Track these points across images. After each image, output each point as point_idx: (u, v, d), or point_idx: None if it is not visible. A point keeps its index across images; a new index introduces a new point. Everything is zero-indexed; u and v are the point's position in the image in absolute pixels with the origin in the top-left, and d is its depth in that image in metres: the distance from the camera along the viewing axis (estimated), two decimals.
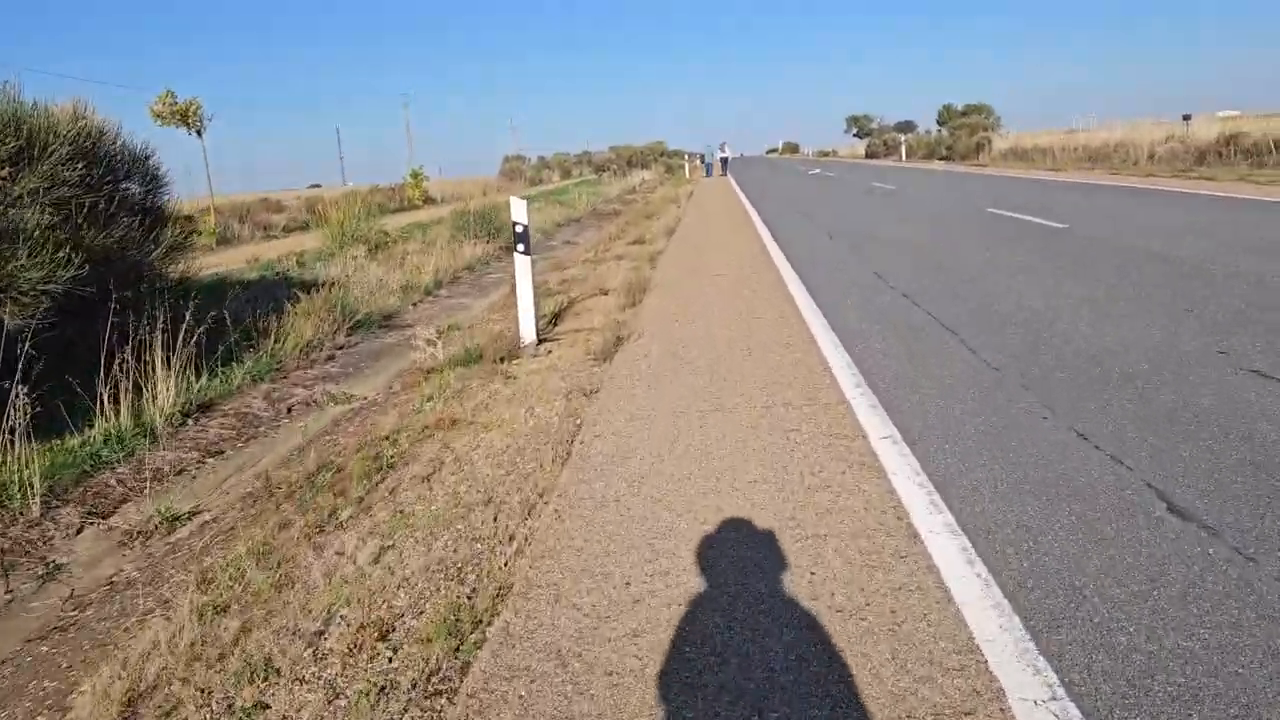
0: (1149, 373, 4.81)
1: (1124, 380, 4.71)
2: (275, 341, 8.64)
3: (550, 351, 7.23)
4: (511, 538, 3.61)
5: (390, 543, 3.84)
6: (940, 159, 49.21)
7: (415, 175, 30.73)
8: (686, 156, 62.48)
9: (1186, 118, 25.86)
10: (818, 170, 43.78)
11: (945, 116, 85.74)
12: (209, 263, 14.32)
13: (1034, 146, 39.12)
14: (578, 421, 5.08)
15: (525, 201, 7.23)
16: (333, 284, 11.08)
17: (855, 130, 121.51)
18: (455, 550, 3.58)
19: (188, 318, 7.26)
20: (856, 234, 12.74)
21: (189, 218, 19.07)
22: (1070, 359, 5.22)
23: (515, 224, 7.20)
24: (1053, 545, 2.96)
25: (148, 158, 8.61)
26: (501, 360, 7.13)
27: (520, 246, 7.21)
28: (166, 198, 8.91)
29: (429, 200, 34.29)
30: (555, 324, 8.47)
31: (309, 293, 10.24)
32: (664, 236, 15.21)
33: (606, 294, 9.92)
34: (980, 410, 4.43)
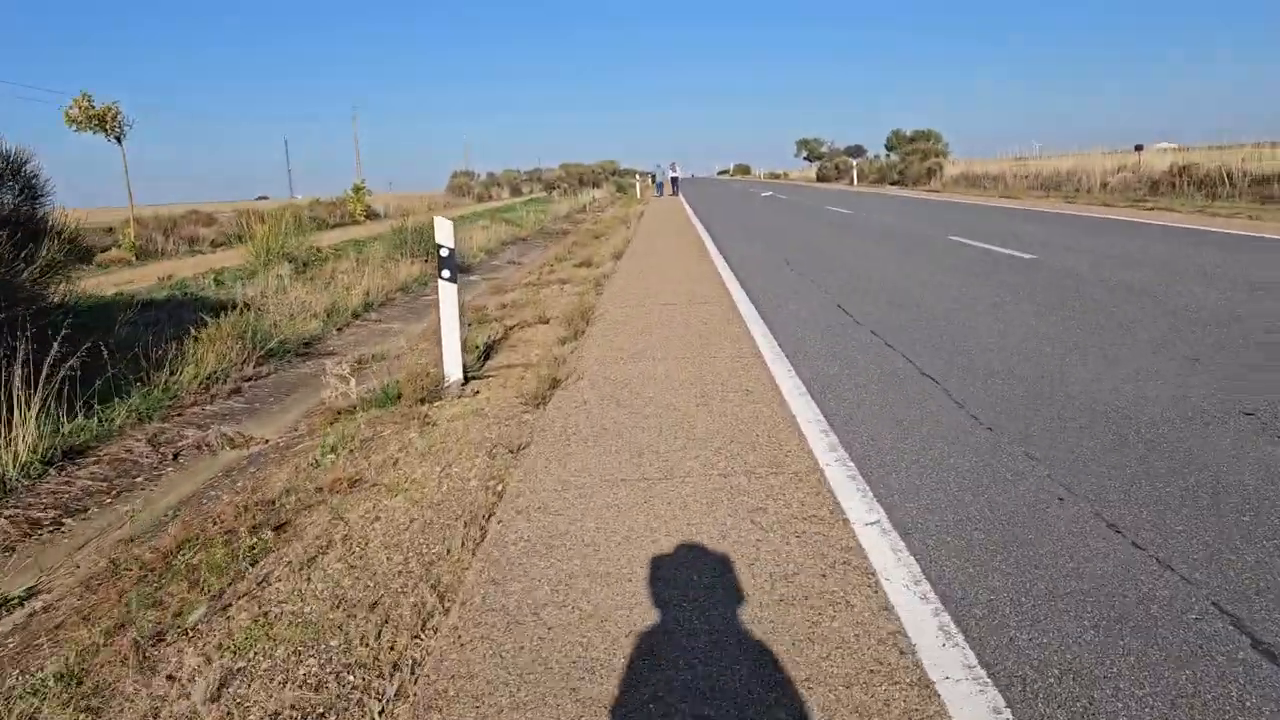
0: (1173, 439, 4.11)
1: (1148, 448, 4.01)
2: (171, 373, 7.64)
3: (478, 392, 6.37)
4: (395, 668, 2.74)
5: (242, 663, 2.96)
6: (891, 183, 49.34)
7: (357, 189, 29.59)
8: (637, 175, 61.98)
9: (1139, 148, 25.93)
10: (770, 193, 43.52)
11: (894, 142, 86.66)
12: (119, 279, 13.18)
13: (985, 173, 39.29)
14: (499, 488, 4.23)
15: (450, 222, 6.38)
16: (247, 306, 10.08)
17: (805, 154, 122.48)
18: (318, 687, 2.71)
19: (55, 347, 6.28)
20: (816, 262, 12.09)
21: (109, 229, 17.85)
22: (1076, 417, 4.52)
23: (440, 247, 6.35)
24: (1123, 707, 2.19)
25: (24, 163, 7.59)
26: (422, 401, 6.25)
27: (445, 272, 6.36)
28: (47, 209, 7.89)
29: (372, 215, 33.14)
30: (488, 358, 7.60)
31: (221, 315, 9.25)
32: (612, 259, 14.43)
33: (547, 323, 9.09)
34: (981, 484, 3.69)
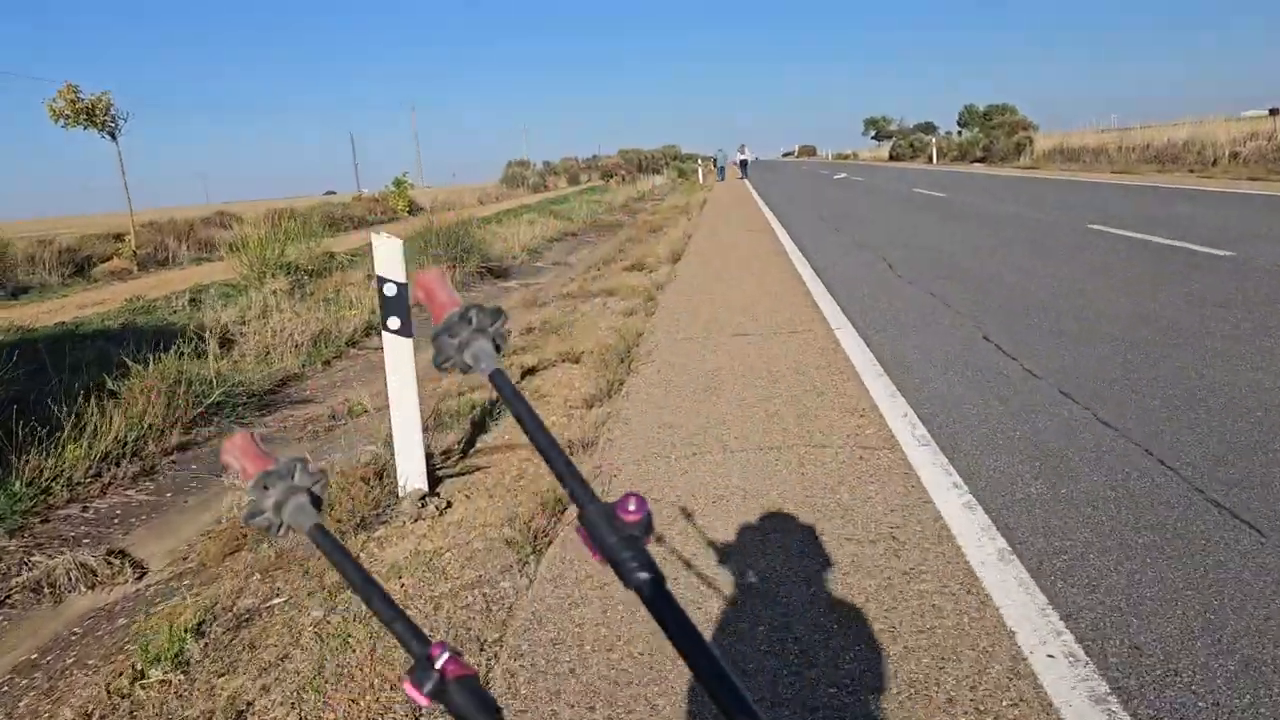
0: None
1: None
2: (51, 450, 5.52)
3: (447, 508, 4.08)
4: None
5: None
6: (975, 161, 45.84)
7: (399, 183, 27.67)
8: (700, 161, 59.30)
9: (1274, 111, 22.44)
10: (843, 174, 40.51)
11: (968, 117, 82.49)
12: (89, 299, 11.28)
13: (1082, 146, 35.74)
14: None
15: (398, 243, 4.07)
16: (204, 337, 7.98)
17: (874, 132, 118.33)
18: None
19: None
20: (931, 264, 9.51)
21: (116, 236, 16.14)
22: None
23: (382, 281, 4.06)
24: None
25: None
26: (361, 525, 4.01)
27: (392, 320, 4.07)
28: None
29: (418, 210, 31.25)
30: (482, 428, 5.31)
31: (175, 351, 7.22)
32: (668, 262, 12.02)
33: (578, 361, 6.78)
34: None
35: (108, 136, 14.44)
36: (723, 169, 46.61)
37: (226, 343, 8.45)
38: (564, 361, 6.84)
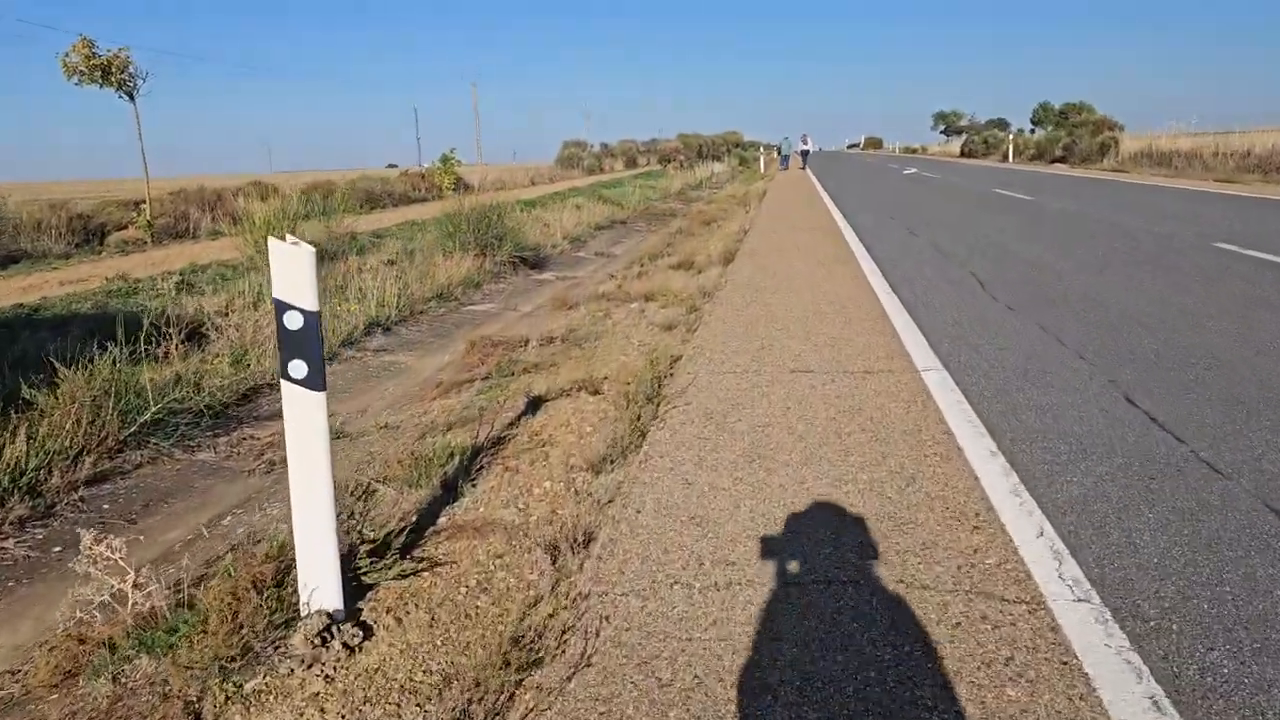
0: None
1: None
2: None
3: (362, 645, 2.79)
4: None
5: None
6: (1053, 161, 43.41)
7: (445, 160, 26.54)
8: (762, 149, 57.48)
9: None
10: (913, 169, 38.49)
11: (1042, 115, 79.07)
12: (84, 273, 10.26)
13: (1174, 150, 33.33)
14: None
15: (309, 250, 2.77)
16: (169, 331, 6.82)
17: (943, 127, 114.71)
18: None
19: None
20: (1027, 285, 7.99)
21: (138, 204, 15.24)
22: None
23: (282, 310, 2.76)
24: None
25: None
26: (231, 660, 2.76)
27: (296, 368, 2.77)
28: None
29: (466, 188, 30.17)
30: (457, 492, 4.02)
31: (108, 348, 6.11)
32: (720, 263, 10.62)
33: (598, 393, 5.46)
34: None
35: (125, 97, 13.52)
36: (786, 158, 45.22)
37: (200, 338, 7.30)
38: (580, 391, 5.52)
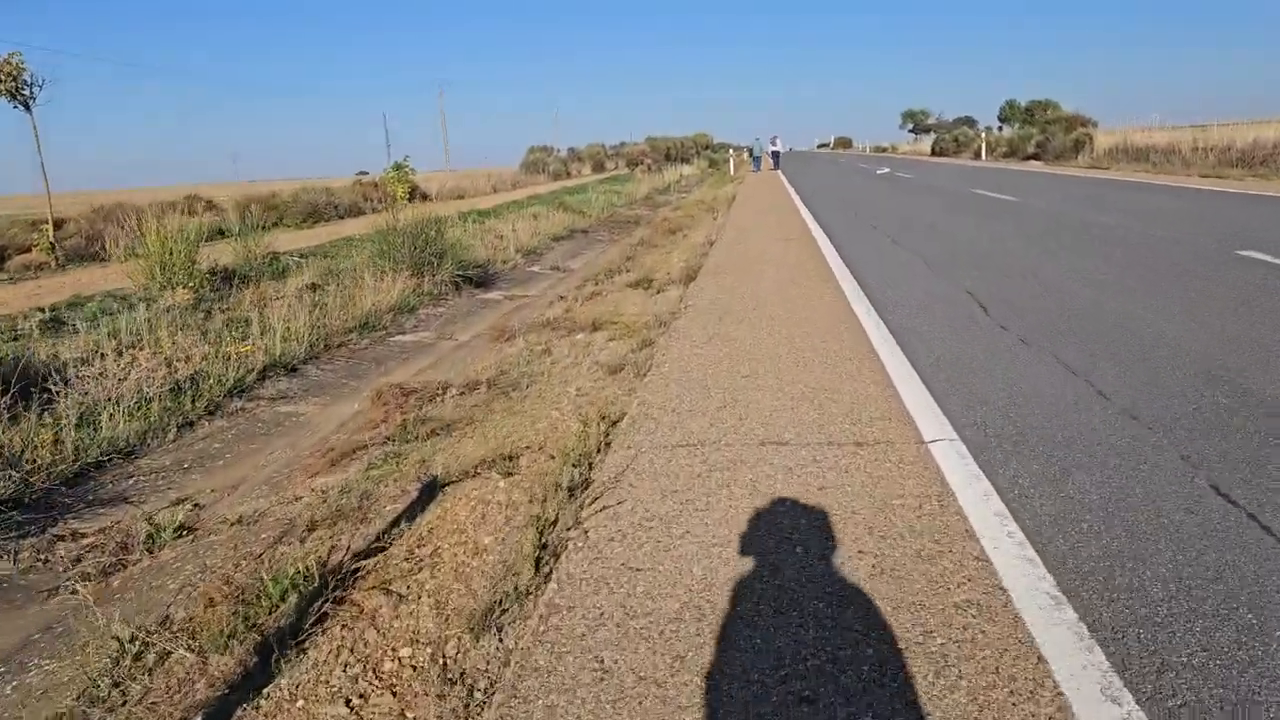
0: None
1: None
2: None
3: None
4: None
5: None
6: (1027, 158, 42.69)
7: (399, 168, 25.12)
8: (731, 151, 56.49)
9: None
10: (886, 169, 37.55)
11: (1009, 113, 78.84)
12: None
13: (1150, 145, 32.58)
14: None
15: None
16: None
17: (911, 125, 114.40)
18: None
19: None
20: (1037, 307, 6.84)
21: (33, 225, 13.80)
22: None
23: None
24: None
25: None
26: None
27: None
28: None
29: (423, 197, 28.81)
30: (277, 669, 2.75)
31: None
32: (680, 280, 9.43)
33: (511, 473, 4.24)
34: None
35: (19, 106, 12.11)
36: (758, 159, 44.54)
37: (43, 394, 5.98)
38: (492, 468, 4.29)
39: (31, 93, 12.04)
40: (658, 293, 9.18)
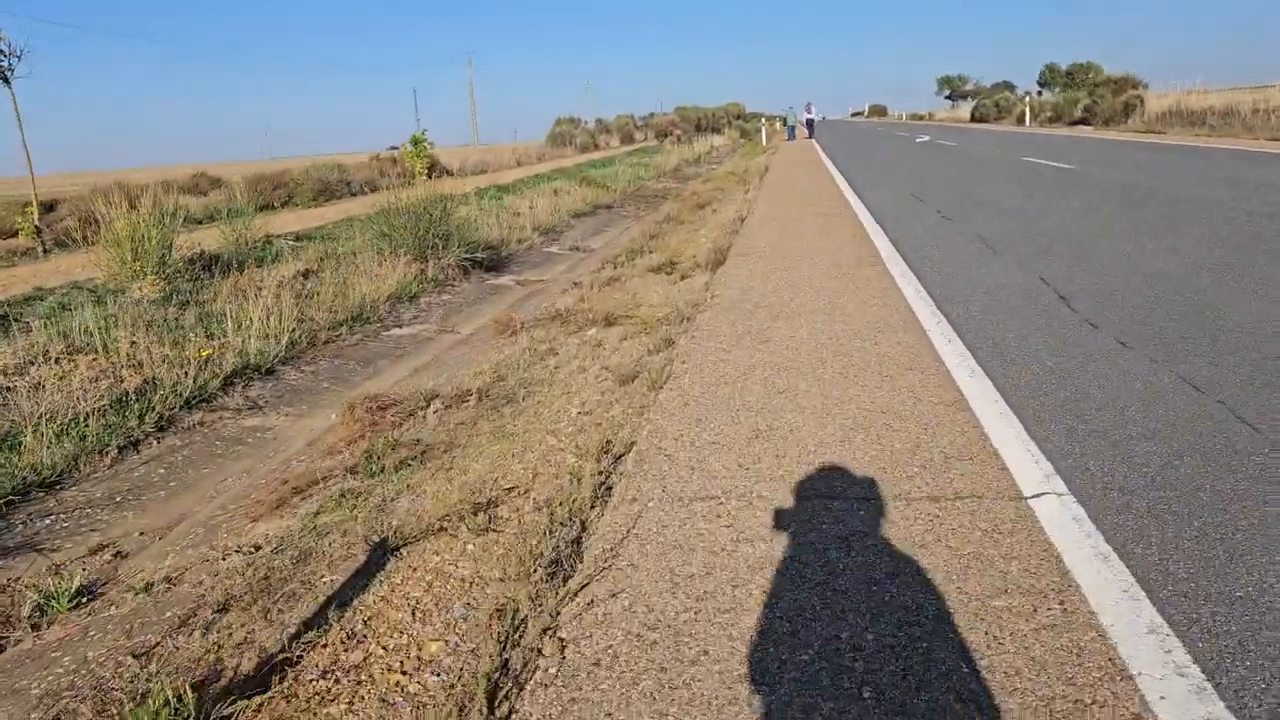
0: None
1: None
2: None
3: None
4: None
5: None
6: (1073, 123, 40.87)
7: (417, 142, 24.19)
8: (764, 120, 54.97)
9: None
10: (926, 137, 35.98)
11: (1049, 77, 76.24)
12: None
13: (1207, 108, 30.81)
14: None
15: None
16: None
17: (948, 92, 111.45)
18: None
19: None
20: (1135, 300, 5.78)
21: (25, 206, 13.11)
22: None
23: None
24: None
25: None
26: None
27: None
28: None
29: (444, 173, 27.91)
30: None
31: None
32: (707, 265, 8.42)
33: (488, 530, 3.31)
34: None
35: None
36: (792, 129, 43.31)
37: None
38: (462, 520, 3.38)
39: (10, 64, 11.26)
40: (681, 279, 8.20)
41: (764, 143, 40.98)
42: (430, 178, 25.56)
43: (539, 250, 13.07)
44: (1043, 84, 76.66)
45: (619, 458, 3.75)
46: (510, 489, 3.70)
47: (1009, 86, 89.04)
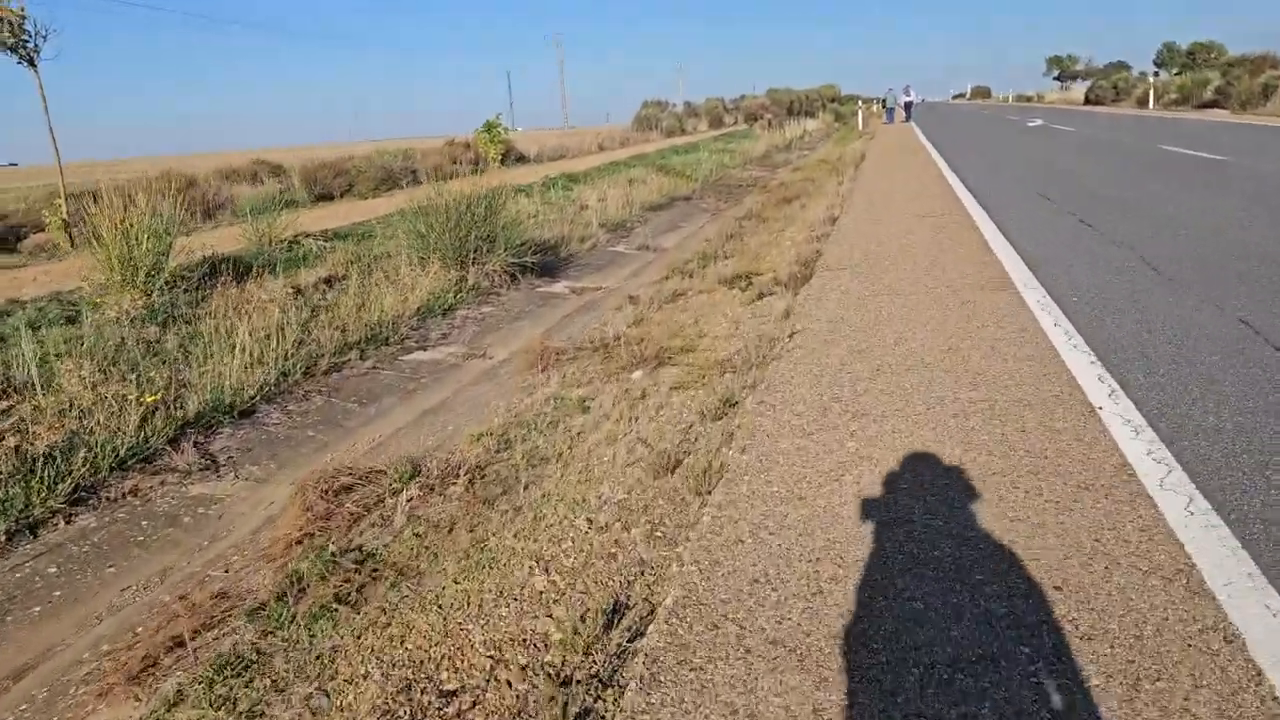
0: None
1: None
2: None
3: None
4: None
5: None
6: (1201, 106, 37.43)
7: (490, 127, 23.10)
8: (859, 103, 52.47)
9: None
10: (1038, 121, 33.23)
11: (1167, 56, 71.13)
12: None
13: None
14: None
15: None
16: None
17: (1057, 73, 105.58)
18: None
19: None
20: None
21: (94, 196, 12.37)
22: None
23: None
24: None
25: None
26: None
27: None
28: None
29: (521, 159, 26.84)
30: None
31: None
32: (789, 283, 6.89)
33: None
34: None
35: (24, 62, 10.50)
36: (891, 111, 41.34)
37: None
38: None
39: (36, 45, 10.43)
40: (758, 298, 6.72)
41: (860, 127, 38.72)
42: (504, 164, 24.46)
43: (604, 250, 11.71)
44: (1159, 64, 72.08)
45: (625, 646, 2.34)
46: (452, 692, 2.34)
47: (1124, 67, 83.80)
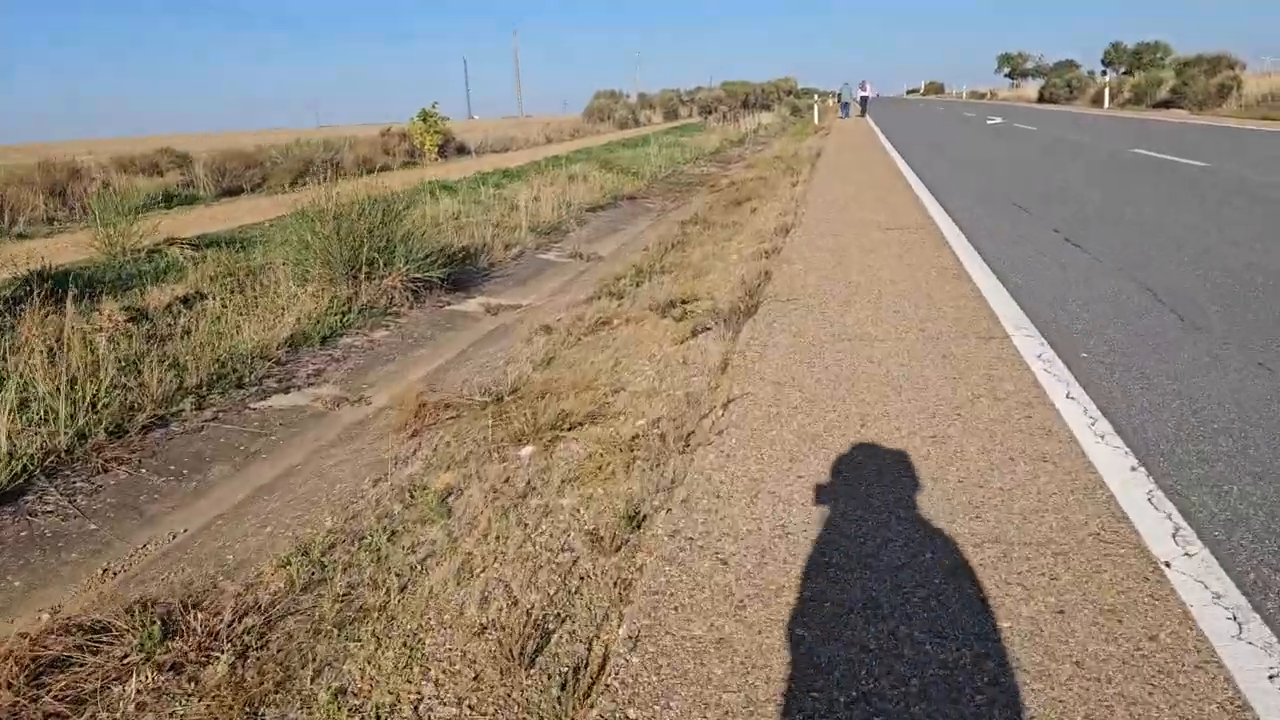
0: None
1: None
2: None
3: None
4: None
5: None
6: (1156, 105, 37.13)
7: (426, 117, 21.53)
8: (816, 97, 51.69)
9: None
10: (997, 119, 32.49)
11: (1114, 55, 71.55)
12: None
13: None
14: None
15: None
16: None
17: (1008, 70, 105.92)
18: None
19: None
20: None
21: None
22: None
23: None
24: None
25: None
26: None
27: None
28: None
29: (460, 151, 25.34)
30: None
31: None
32: (732, 312, 5.66)
33: None
34: None
35: None
36: (847, 105, 40.96)
37: None
38: None
39: None
40: (691, 335, 5.51)
41: (816, 121, 37.74)
42: (441, 155, 22.96)
43: (531, 257, 10.43)
44: (1106, 63, 72.60)
45: None
46: None
47: (1074, 65, 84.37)
